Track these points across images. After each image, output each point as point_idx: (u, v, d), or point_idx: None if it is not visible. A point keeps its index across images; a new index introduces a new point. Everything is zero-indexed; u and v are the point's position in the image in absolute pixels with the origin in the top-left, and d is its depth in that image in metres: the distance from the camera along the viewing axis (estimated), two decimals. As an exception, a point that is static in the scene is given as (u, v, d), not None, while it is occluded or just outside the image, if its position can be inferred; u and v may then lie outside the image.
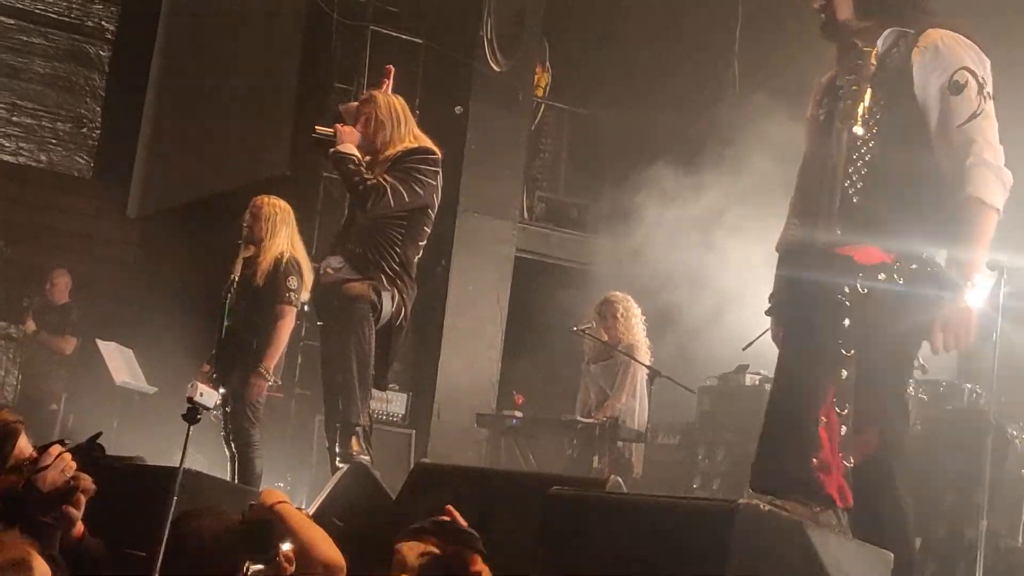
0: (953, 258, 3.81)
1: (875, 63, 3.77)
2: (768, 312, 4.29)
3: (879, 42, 3.94)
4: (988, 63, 3.92)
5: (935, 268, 3.85)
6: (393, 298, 6.36)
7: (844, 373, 3.75)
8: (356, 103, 6.92)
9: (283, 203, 7.84)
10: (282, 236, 7.71)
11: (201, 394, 6.84)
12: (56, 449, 3.70)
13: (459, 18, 11.21)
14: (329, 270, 6.54)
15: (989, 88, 3.85)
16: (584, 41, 12.59)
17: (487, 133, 10.97)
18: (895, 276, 3.80)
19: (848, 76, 3.79)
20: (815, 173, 4.12)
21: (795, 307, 3.86)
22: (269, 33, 13.26)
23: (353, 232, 6.49)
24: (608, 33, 12.50)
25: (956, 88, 3.80)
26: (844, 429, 3.75)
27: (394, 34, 11.33)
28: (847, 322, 3.73)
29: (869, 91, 3.75)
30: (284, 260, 7.67)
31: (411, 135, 6.53)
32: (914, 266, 3.82)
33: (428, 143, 6.56)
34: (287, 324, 7.70)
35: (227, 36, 14.20)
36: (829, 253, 3.81)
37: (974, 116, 3.80)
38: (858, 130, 3.58)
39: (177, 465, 4.37)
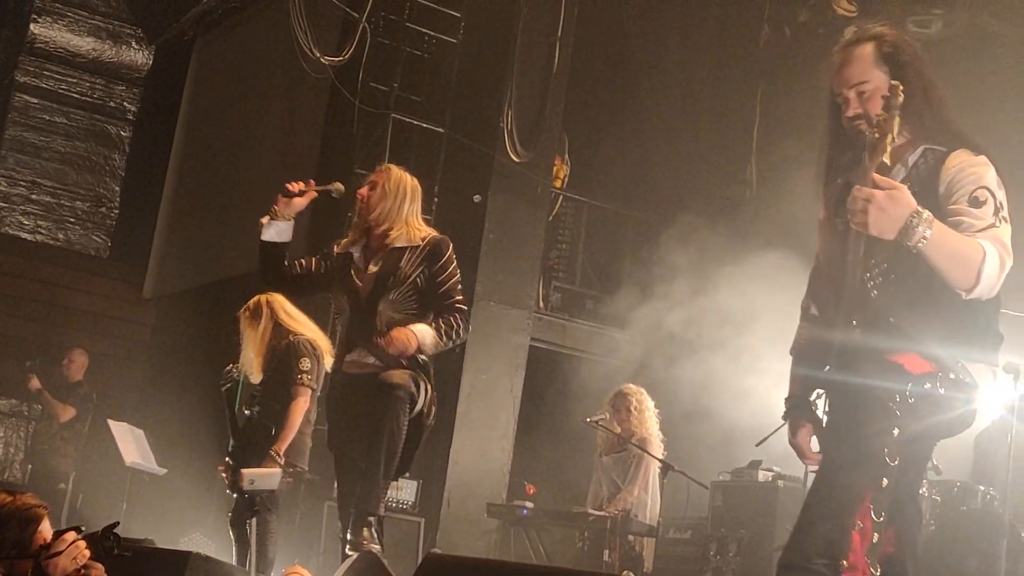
0: None
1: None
2: (785, 416, 4.30)
3: (910, 157, 4.03)
4: (1003, 191, 3.98)
5: (967, 377, 3.90)
6: (427, 389, 6.27)
7: (885, 481, 3.78)
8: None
9: (250, 305, 7.83)
10: (248, 338, 7.70)
11: (252, 481, 6.75)
12: (71, 536, 3.71)
13: (480, 109, 11.31)
14: (356, 363, 6.34)
15: (1005, 212, 3.93)
16: (602, 134, 12.71)
17: (505, 223, 11.01)
18: (938, 385, 3.86)
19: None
20: (834, 274, 4.17)
21: (844, 411, 3.89)
22: (290, 118, 13.40)
23: (376, 326, 6.22)
24: (626, 127, 12.62)
25: (976, 203, 3.89)
26: (876, 537, 3.76)
27: (415, 122, 11.47)
28: (896, 431, 3.77)
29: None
30: (296, 341, 7.66)
31: (411, 217, 6.39)
32: (952, 376, 3.89)
33: (433, 231, 6.50)
34: (300, 404, 7.58)
35: (248, 120, 14.34)
36: (882, 360, 3.85)
37: (991, 227, 3.86)
38: None
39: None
